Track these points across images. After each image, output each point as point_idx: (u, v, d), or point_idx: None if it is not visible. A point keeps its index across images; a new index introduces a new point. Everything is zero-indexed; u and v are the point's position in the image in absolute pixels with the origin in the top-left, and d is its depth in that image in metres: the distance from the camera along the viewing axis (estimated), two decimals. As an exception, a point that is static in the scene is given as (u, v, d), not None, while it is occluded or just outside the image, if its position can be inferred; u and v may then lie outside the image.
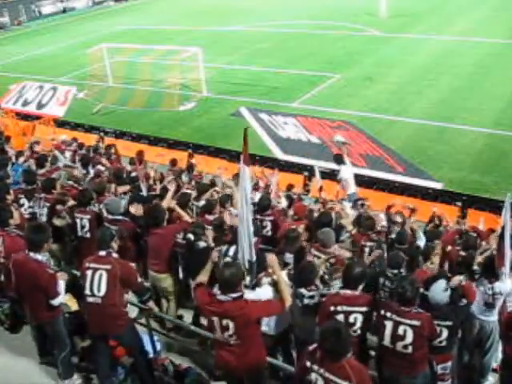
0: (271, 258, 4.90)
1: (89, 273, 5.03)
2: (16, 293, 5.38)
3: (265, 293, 5.05)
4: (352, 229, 7.02)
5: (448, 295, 4.86)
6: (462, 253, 6.22)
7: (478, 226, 8.27)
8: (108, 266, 5.00)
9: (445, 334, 4.79)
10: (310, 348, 3.89)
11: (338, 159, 10.16)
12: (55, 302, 5.17)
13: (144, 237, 6.81)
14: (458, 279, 5.08)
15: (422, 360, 4.61)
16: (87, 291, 5.03)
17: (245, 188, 5.07)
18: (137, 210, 6.97)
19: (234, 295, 4.26)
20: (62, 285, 5.25)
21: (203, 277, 4.76)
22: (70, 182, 8.30)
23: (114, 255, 5.16)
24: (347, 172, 10.09)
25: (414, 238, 6.97)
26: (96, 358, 5.42)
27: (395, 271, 5.57)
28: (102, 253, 5.09)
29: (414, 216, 7.77)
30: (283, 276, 4.73)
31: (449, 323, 4.79)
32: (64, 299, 5.41)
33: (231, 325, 4.24)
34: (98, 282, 4.97)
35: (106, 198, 7.21)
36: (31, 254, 5.10)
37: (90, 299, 5.04)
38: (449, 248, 6.66)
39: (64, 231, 6.88)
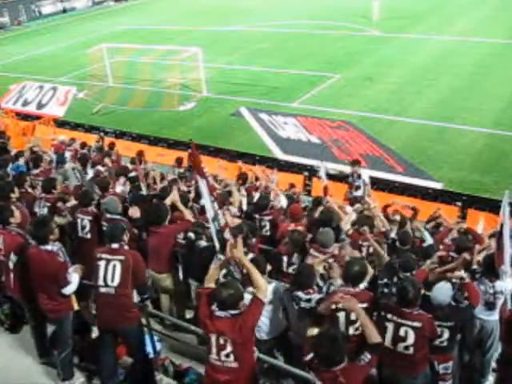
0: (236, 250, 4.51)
1: (102, 263, 5.07)
2: (23, 289, 5.47)
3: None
4: (349, 228, 7.01)
5: (450, 296, 4.86)
6: (454, 254, 6.20)
7: (477, 226, 8.23)
8: (121, 257, 5.07)
9: (446, 334, 4.79)
10: (308, 357, 3.92)
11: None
12: (66, 290, 5.24)
13: (142, 238, 6.82)
14: (459, 274, 5.07)
15: (422, 360, 4.62)
16: (100, 282, 5.07)
17: (205, 200, 5.09)
18: (134, 212, 6.97)
19: (234, 312, 4.11)
20: (74, 276, 5.31)
21: (210, 279, 4.54)
22: (68, 182, 8.33)
23: (126, 247, 5.24)
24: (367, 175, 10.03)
25: (416, 239, 6.94)
26: (100, 356, 5.42)
27: (407, 274, 5.36)
28: (115, 245, 5.16)
29: (417, 217, 7.74)
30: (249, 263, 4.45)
31: (450, 324, 4.79)
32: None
33: (229, 343, 4.07)
34: (111, 273, 5.03)
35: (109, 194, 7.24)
36: (41, 247, 5.23)
37: (103, 290, 5.08)
38: (440, 248, 6.63)
39: (64, 230, 6.87)
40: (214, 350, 4.13)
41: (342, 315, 4.59)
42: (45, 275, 5.20)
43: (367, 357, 3.91)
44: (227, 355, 4.10)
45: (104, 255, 5.11)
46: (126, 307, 5.16)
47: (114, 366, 5.46)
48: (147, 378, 5.45)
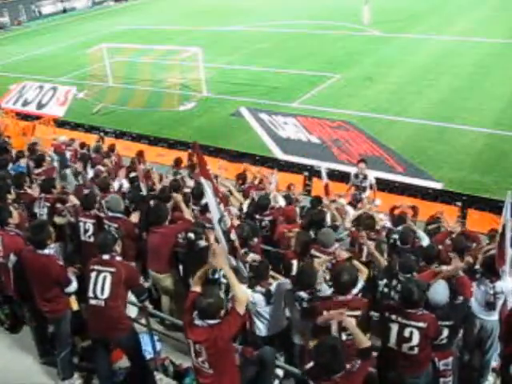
0: (216, 252, 4.56)
1: (93, 275, 5.03)
2: (21, 290, 5.46)
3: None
4: (351, 226, 7.00)
5: (447, 295, 4.86)
6: (452, 254, 6.21)
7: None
8: (112, 269, 5.00)
9: (445, 332, 4.81)
10: (307, 367, 3.97)
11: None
12: (70, 289, 5.29)
13: (142, 238, 6.81)
14: (458, 264, 5.07)
15: (425, 360, 4.64)
16: (90, 293, 5.02)
17: (210, 202, 5.14)
18: (134, 218, 6.98)
19: (211, 322, 4.13)
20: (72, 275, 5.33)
21: (197, 281, 4.54)
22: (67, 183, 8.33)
23: (118, 258, 5.17)
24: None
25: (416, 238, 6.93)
26: (95, 360, 5.41)
27: (408, 275, 5.35)
28: (106, 257, 5.09)
29: (416, 216, 7.73)
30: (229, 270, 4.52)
31: (450, 323, 4.80)
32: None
33: (204, 351, 4.12)
34: (101, 285, 4.97)
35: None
36: (39, 251, 5.20)
37: (93, 301, 5.02)
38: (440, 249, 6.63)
39: (65, 230, 6.86)
40: (192, 354, 4.24)
41: (334, 322, 4.62)
42: (46, 279, 5.19)
43: (358, 363, 3.94)
44: (203, 362, 4.18)
45: (96, 266, 5.05)
46: (117, 319, 5.09)
47: (109, 371, 5.45)
48: (146, 380, 5.44)
